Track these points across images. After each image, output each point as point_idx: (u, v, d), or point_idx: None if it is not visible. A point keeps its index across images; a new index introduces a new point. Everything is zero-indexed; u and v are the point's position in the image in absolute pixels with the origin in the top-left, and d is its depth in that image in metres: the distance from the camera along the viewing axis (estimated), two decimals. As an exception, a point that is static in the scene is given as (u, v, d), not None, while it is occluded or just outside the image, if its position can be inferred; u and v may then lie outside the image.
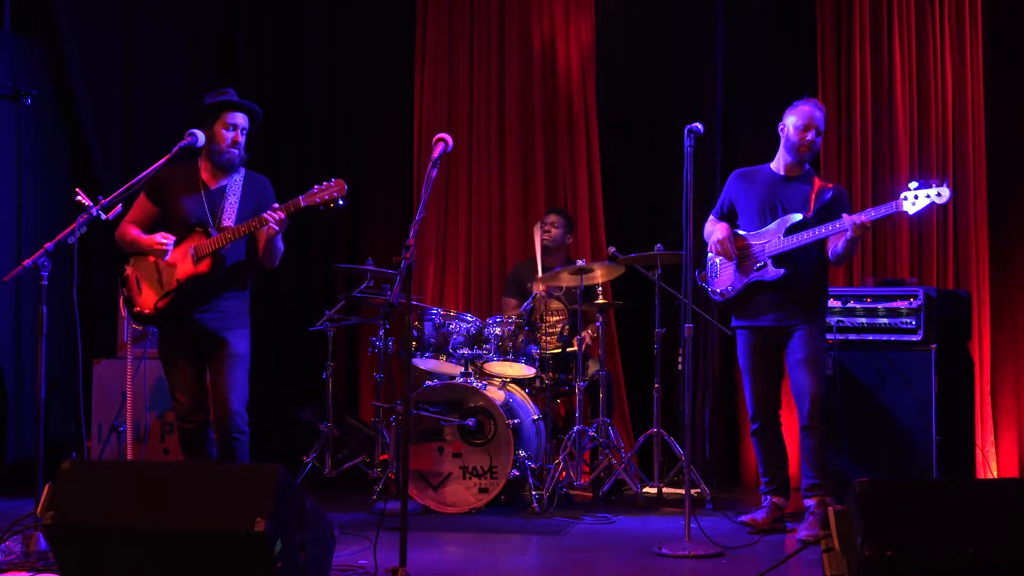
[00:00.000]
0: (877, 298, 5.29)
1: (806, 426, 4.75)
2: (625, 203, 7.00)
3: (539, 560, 4.47)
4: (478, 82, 7.04)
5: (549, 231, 6.25)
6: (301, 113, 7.34)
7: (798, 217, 4.79)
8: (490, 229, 6.97)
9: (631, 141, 7.02)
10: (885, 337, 5.26)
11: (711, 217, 5.14)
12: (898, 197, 4.59)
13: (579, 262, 5.72)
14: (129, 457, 5.74)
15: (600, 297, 5.87)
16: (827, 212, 4.78)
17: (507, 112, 6.99)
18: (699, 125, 4.59)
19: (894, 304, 5.23)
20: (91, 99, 6.85)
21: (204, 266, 4.45)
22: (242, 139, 4.59)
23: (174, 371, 4.58)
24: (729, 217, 5.04)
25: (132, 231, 4.62)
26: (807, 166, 4.96)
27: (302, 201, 4.36)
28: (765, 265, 4.81)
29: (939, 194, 4.51)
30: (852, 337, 5.30)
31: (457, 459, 5.37)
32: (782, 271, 4.77)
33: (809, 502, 4.77)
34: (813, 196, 4.82)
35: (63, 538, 3.27)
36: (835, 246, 4.77)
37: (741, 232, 4.94)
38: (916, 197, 4.53)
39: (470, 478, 5.35)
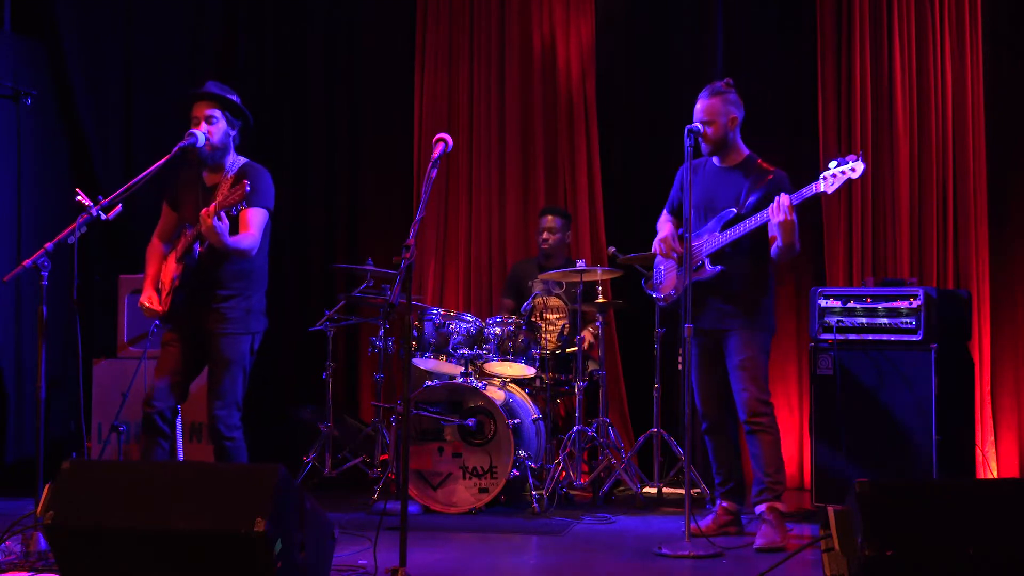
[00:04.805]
0: (877, 298, 5.28)
1: (746, 428, 4.63)
2: (625, 203, 7.00)
3: (539, 560, 4.47)
4: (478, 82, 7.04)
5: (548, 239, 6.23)
6: (301, 113, 7.34)
7: (732, 211, 4.59)
8: (490, 229, 6.97)
9: (631, 141, 7.01)
10: (885, 337, 5.25)
11: (663, 213, 4.94)
12: (818, 177, 4.39)
13: (579, 262, 5.72)
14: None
15: (600, 296, 5.87)
16: (765, 203, 4.50)
17: (507, 112, 6.99)
18: (699, 125, 4.58)
19: (894, 304, 5.22)
20: (91, 99, 6.85)
21: (179, 269, 4.46)
22: (213, 126, 4.48)
23: (161, 352, 4.55)
24: (678, 213, 4.83)
25: (150, 262, 4.61)
26: (746, 151, 4.71)
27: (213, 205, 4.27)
28: (702, 265, 4.63)
29: (852, 168, 4.31)
30: (852, 337, 5.29)
31: (457, 459, 5.37)
32: (718, 268, 4.58)
33: (759, 508, 4.60)
34: (746, 188, 4.60)
35: (63, 538, 3.27)
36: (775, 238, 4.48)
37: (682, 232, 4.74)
38: (834, 176, 4.34)
39: (470, 478, 5.35)
